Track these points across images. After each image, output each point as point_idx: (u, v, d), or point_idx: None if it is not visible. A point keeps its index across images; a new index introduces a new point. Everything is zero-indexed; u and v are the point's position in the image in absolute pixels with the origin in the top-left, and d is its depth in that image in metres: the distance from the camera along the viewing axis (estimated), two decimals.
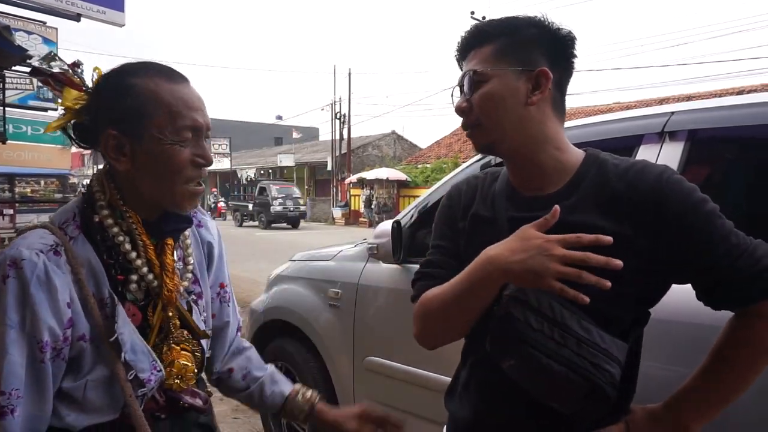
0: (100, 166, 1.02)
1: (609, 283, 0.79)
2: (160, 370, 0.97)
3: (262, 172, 33.98)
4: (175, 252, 1.05)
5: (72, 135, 0.98)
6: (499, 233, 0.93)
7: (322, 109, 29.51)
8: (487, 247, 0.90)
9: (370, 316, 2.36)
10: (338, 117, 27.59)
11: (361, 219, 23.52)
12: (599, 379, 0.82)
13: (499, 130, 0.95)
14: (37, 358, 0.85)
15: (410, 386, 2.14)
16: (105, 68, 0.98)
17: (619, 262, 0.79)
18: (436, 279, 1.02)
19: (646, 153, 1.58)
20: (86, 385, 0.91)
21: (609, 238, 0.81)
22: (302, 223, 22.85)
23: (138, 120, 0.91)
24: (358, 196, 24.74)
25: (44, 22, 7.11)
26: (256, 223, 23.23)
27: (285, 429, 2.83)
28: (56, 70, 0.94)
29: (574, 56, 0.97)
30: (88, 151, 1.05)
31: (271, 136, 46.16)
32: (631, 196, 0.89)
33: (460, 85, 0.99)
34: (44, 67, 0.94)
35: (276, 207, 21.75)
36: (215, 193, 31.26)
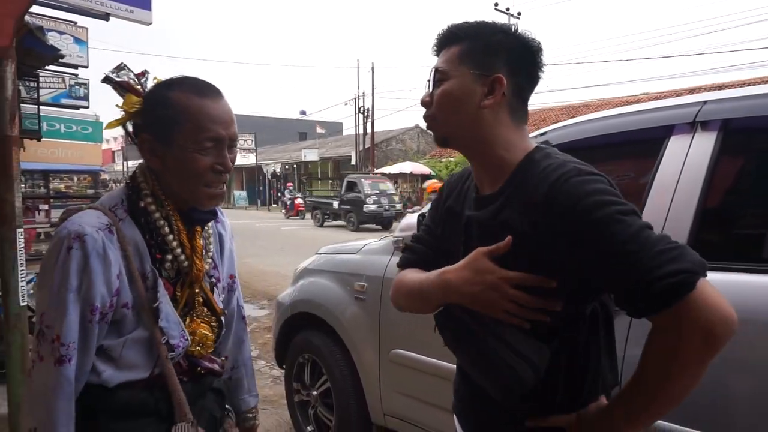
0: (131, 163, 1.09)
1: (559, 307, 0.90)
2: (187, 339, 1.10)
3: (287, 167, 34.25)
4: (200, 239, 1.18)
5: (130, 134, 1.12)
6: (459, 229, 1.06)
7: (346, 104, 29.80)
8: (445, 269, 1.00)
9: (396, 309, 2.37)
10: (362, 111, 27.63)
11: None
12: (505, 374, 0.91)
13: (452, 127, 1.02)
14: (86, 318, 0.99)
15: (436, 378, 2.14)
16: (137, 68, 1.09)
17: (556, 306, 0.90)
18: (416, 254, 1.19)
19: (676, 144, 1.55)
20: (125, 343, 1.05)
21: (552, 283, 0.89)
22: (328, 220, 20.77)
23: (168, 128, 1.04)
24: None
25: (75, 22, 7.27)
26: (342, 223, 19.75)
27: (312, 420, 2.88)
28: (123, 78, 1.08)
29: (539, 66, 1.01)
30: (120, 146, 1.18)
31: (295, 132, 46.49)
32: (533, 197, 0.90)
33: (428, 80, 1.05)
34: (113, 76, 1.08)
35: (370, 206, 18.28)
36: (290, 188, 27.17)
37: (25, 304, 1.95)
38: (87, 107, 9.87)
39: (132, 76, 1.09)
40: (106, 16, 5.12)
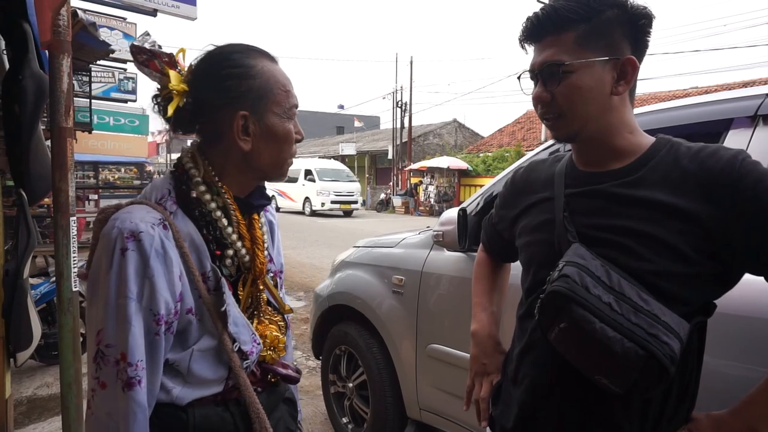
0: (174, 155, 1.05)
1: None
2: (260, 343, 0.99)
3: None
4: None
5: (172, 119, 0.96)
6: (555, 210, 0.98)
7: (384, 98, 29.57)
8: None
9: (434, 303, 2.36)
10: (399, 105, 27.53)
11: (401, 206, 23.46)
12: (657, 349, 0.79)
13: (583, 121, 0.93)
14: (152, 330, 0.85)
15: None
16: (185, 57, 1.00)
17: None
18: (486, 242, 1.33)
19: (735, 139, 1.47)
20: (192, 356, 0.92)
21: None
22: (362, 211, 20.29)
23: (262, 99, 0.95)
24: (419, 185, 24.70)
25: (125, 18, 7.53)
26: None
27: (347, 412, 2.90)
28: (155, 48, 0.95)
29: (650, 36, 0.93)
30: (164, 139, 1.07)
31: (333, 125, 46.82)
32: (704, 176, 0.86)
33: (538, 73, 0.94)
34: (144, 45, 0.93)
35: None
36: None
37: (77, 289, 2.04)
38: (134, 101, 10.23)
39: (157, 47, 0.95)
40: (154, 12, 5.27)
